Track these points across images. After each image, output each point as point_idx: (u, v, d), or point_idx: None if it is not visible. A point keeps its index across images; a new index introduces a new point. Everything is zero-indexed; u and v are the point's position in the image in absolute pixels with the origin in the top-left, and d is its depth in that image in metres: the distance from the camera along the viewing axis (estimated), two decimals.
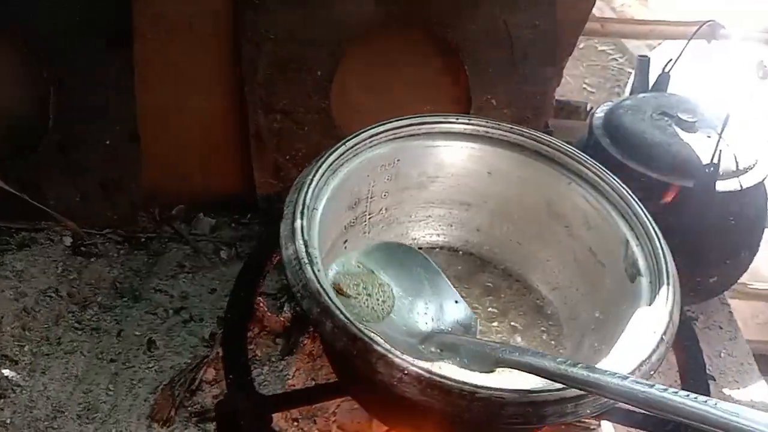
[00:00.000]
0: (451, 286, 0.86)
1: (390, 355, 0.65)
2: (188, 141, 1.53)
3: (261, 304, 1.23)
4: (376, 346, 0.65)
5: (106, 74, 1.40)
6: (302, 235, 0.74)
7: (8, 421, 1.13)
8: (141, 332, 1.32)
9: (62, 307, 1.35)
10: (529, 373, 0.66)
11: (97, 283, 1.41)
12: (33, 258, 1.42)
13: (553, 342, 0.92)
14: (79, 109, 1.42)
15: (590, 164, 0.91)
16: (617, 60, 3.23)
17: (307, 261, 0.72)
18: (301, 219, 0.76)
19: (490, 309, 0.94)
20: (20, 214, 1.47)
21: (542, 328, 0.93)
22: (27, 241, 1.46)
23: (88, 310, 1.36)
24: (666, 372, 1.21)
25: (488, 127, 0.94)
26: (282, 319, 1.25)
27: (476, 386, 0.63)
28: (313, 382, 1.13)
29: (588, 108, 1.89)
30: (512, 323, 0.93)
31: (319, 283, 0.70)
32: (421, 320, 0.83)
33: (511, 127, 0.94)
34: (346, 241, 0.93)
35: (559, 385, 0.64)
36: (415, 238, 1.02)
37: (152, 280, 1.43)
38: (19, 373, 1.20)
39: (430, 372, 0.64)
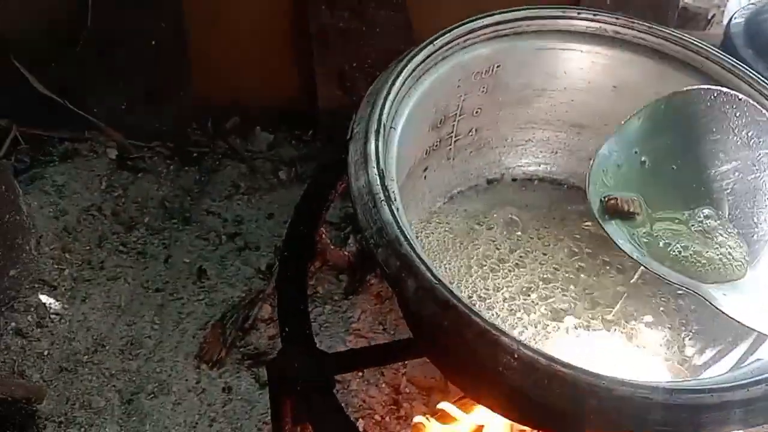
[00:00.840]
0: None
1: (494, 332, 0.50)
2: (242, 44, 1.40)
3: (323, 236, 1.10)
4: (475, 318, 0.50)
5: None
6: (377, 162, 0.59)
7: (46, 353, 1.08)
8: (191, 259, 1.25)
9: (106, 228, 1.28)
10: None
11: (144, 202, 1.33)
12: (75, 171, 1.35)
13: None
14: (121, 5, 1.31)
15: (756, 79, 0.71)
16: None
17: (383, 197, 0.57)
18: (376, 141, 0.61)
19: (601, 261, 0.77)
20: (62, 122, 1.40)
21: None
22: (70, 153, 1.39)
23: (134, 231, 1.29)
24: None
25: (620, 26, 0.75)
26: (346, 253, 1.16)
27: (613, 381, 0.48)
28: (381, 328, 1.02)
29: (710, 16, 1.62)
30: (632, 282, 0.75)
31: (400, 227, 0.55)
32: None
33: (650, 27, 0.75)
34: (426, 169, 0.78)
35: (726, 384, 0.48)
36: (509, 167, 0.86)
37: (204, 200, 1.35)
38: (58, 300, 1.15)
39: (549, 359, 0.49)
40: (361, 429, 0.94)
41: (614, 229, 0.54)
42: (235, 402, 1.05)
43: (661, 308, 0.73)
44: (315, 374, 0.68)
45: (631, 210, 0.57)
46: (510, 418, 0.67)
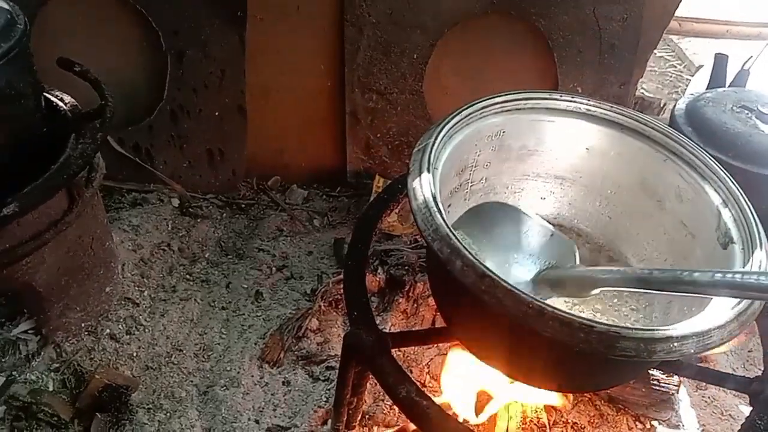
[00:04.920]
0: (543, 222, 0.92)
1: (516, 291, 0.71)
2: (287, 117, 1.60)
3: None
4: (503, 283, 0.71)
5: (222, 51, 1.48)
6: (430, 187, 0.80)
7: (134, 354, 1.23)
8: (248, 285, 1.40)
9: (174, 260, 1.44)
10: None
11: (204, 242, 1.49)
12: (146, 215, 1.50)
13: (642, 307, 0.96)
14: (193, 81, 1.51)
15: (686, 142, 0.94)
16: (675, 66, 3.15)
17: (436, 209, 0.78)
18: (427, 173, 0.82)
19: None
20: (131, 176, 1.58)
21: (631, 297, 0.97)
22: (139, 201, 1.55)
23: (197, 264, 1.44)
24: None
25: (590, 105, 0.97)
26: (378, 279, 1.32)
27: (594, 321, 0.69)
28: None
29: (662, 104, 1.93)
30: (603, 291, 0.95)
31: (448, 227, 0.76)
32: (525, 269, 0.90)
33: (612, 107, 0.97)
34: (449, 205, 0.97)
35: (667, 326, 0.71)
36: None
37: (254, 241, 1.51)
38: (141, 314, 1.29)
39: (552, 306, 0.70)
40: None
41: None
42: (294, 392, 1.18)
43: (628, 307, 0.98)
44: (377, 343, 0.86)
45: None
46: (525, 382, 0.86)
